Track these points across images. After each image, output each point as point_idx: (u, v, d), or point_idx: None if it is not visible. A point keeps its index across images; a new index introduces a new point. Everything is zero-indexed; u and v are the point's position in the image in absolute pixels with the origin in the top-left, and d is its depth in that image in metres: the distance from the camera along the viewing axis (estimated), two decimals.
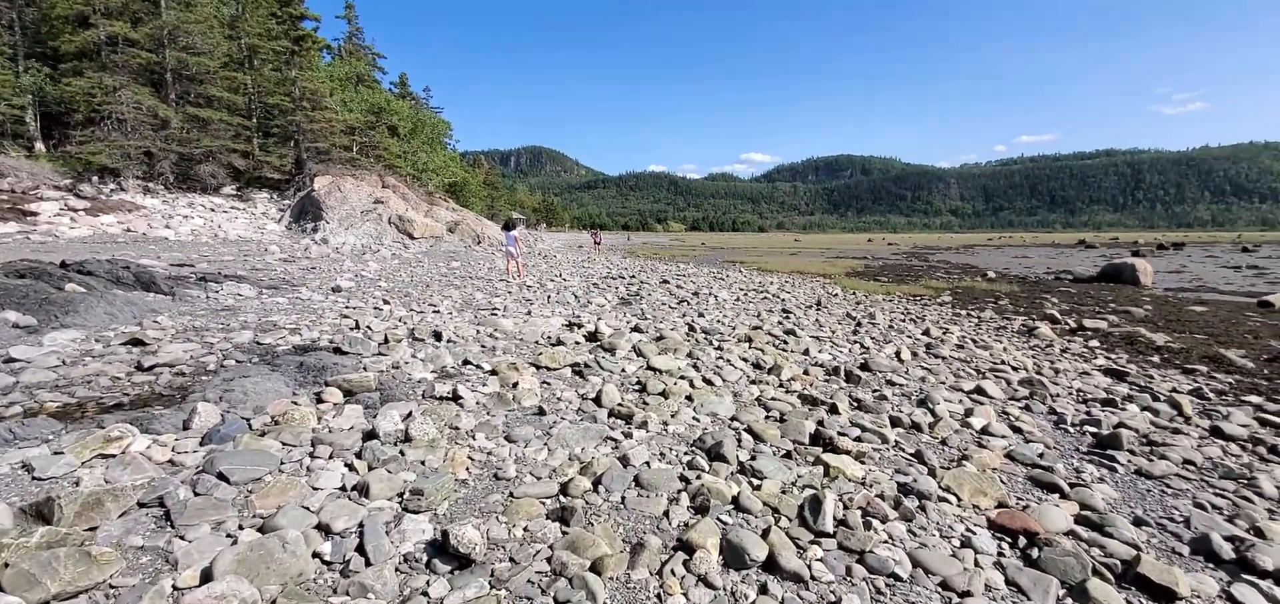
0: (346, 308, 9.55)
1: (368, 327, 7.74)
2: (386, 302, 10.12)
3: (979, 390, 6.43)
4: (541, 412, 4.84)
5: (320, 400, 4.77)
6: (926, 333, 10.10)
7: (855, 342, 8.99)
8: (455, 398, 4.99)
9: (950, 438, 4.89)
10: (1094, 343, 9.82)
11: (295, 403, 4.58)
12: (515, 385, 5.46)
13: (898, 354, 8.13)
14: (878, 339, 9.31)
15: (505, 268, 17.23)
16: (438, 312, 9.59)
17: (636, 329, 8.60)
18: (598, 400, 5.13)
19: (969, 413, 5.50)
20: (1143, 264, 23.12)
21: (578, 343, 7.46)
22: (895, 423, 5.19)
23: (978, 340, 9.79)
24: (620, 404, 5.01)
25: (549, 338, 7.70)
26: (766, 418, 5.09)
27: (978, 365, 7.80)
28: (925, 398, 5.93)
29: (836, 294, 16.74)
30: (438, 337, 7.32)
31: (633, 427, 4.59)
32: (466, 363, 6.16)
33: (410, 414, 4.38)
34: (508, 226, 16.82)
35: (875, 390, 6.33)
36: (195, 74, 27.16)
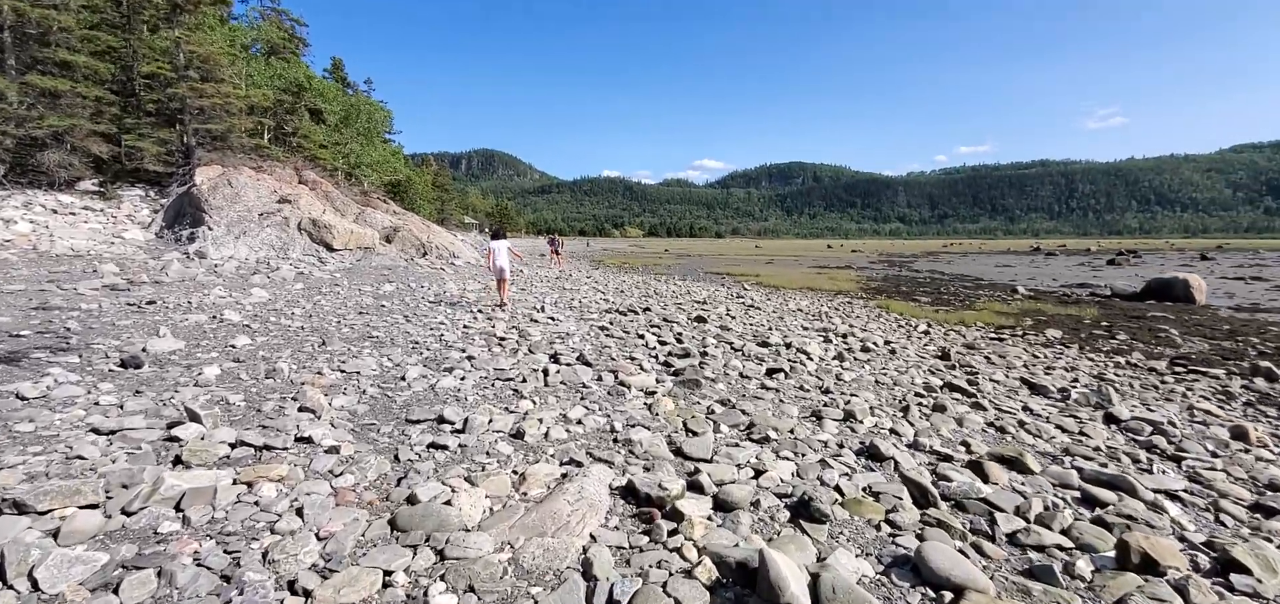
0: (96, 435, 4.07)
1: None
2: (203, 409, 4.60)
3: None
4: None
5: None
6: (1195, 415, 5.39)
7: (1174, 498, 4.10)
8: None
9: None
10: None
11: None
12: None
13: None
14: (1186, 457, 4.46)
15: (499, 293, 11.68)
16: (308, 436, 4.18)
17: (803, 508, 3.41)
18: None
19: None
20: (1196, 280, 20.53)
21: None
22: None
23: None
24: None
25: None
26: None
27: None
28: None
29: (927, 331, 12.06)
30: None
31: None
32: None
33: None
34: (497, 235, 11.73)
35: None
36: (42, 32, 20.40)
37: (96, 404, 4.71)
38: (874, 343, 9.80)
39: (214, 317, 8.80)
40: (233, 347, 7.04)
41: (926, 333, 11.98)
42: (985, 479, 4.10)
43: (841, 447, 4.68)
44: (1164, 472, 4.82)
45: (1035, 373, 8.50)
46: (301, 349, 7.20)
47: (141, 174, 22.87)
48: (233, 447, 3.95)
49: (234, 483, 3.36)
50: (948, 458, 4.56)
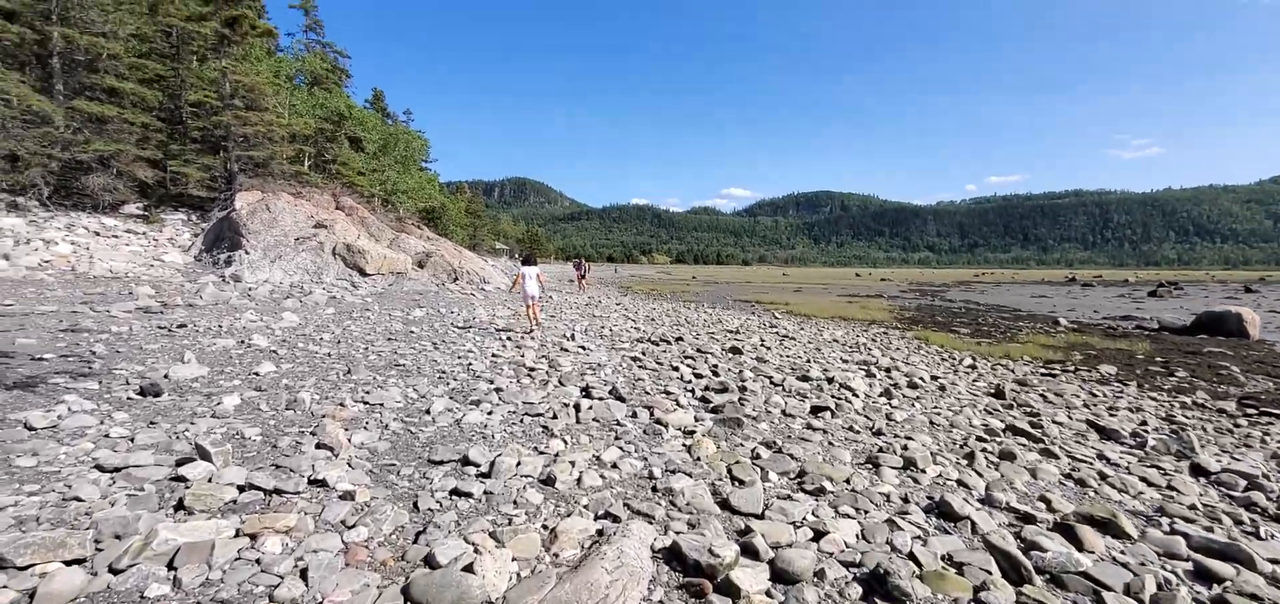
0: (100, 472, 3.83)
1: None
2: (215, 445, 4.30)
3: None
4: None
5: None
6: None
7: None
8: None
9: None
10: None
11: None
12: None
13: None
14: None
15: (529, 314, 12.34)
16: (322, 478, 3.86)
17: (878, 583, 2.94)
18: None
19: None
20: (1249, 314, 19.55)
21: None
22: None
23: None
24: None
25: None
26: None
27: None
28: None
29: (974, 366, 11.41)
30: None
31: None
32: None
33: None
34: (527, 261, 12.57)
35: None
36: (91, 59, 21.20)
37: (107, 436, 4.48)
38: (921, 378, 9.22)
39: (242, 341, 8.67)
40: (257, 374, 6.84)
41: (973, 367, 11.35)
42: (1079, 546, 3.56)
43: (907, 501, 4.18)
44: (1272, 536, 4.23)
45: (1099, 414, 7.85)
46: (326, 378, 6.97)
47: (185, 198, 23.47)
48: (241, 489, 3.64)
49: (236, 535, 3.04)
50: (1029, 518, 4.02)
